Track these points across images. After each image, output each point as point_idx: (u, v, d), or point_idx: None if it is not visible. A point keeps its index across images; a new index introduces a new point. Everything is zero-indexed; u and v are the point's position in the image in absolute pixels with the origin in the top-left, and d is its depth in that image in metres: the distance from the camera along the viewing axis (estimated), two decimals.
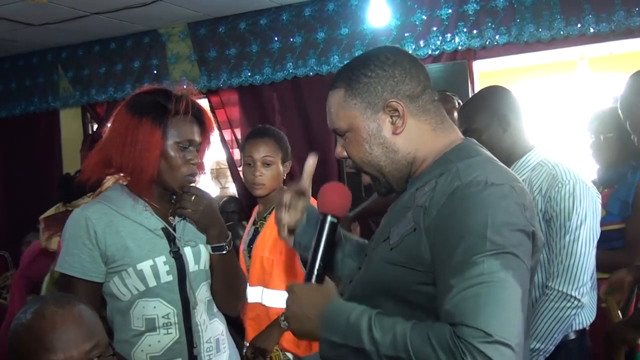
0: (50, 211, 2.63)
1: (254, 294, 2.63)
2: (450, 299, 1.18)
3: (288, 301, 1.40)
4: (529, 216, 1.28)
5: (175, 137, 1.90)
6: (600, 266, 2.68)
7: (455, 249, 1.20)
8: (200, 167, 2.00)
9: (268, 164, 2.63)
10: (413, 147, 1.39)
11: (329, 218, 1.42)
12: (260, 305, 2.62)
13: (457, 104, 3.37)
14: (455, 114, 3.08)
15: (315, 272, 1.39)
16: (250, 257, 2.68)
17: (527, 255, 1.25)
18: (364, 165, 1.43)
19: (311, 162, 1.58)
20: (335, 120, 1.43)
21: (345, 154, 1.45)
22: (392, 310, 1.30)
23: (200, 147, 1.98)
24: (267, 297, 2.61)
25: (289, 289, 1.41)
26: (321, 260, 1.40)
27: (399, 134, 1.38)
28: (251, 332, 2.64)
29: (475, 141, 1.45)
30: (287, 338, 2.52)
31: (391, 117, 1.37)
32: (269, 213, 2.65)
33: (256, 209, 2.79)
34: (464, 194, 1.24)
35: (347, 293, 1.44)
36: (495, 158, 1.40)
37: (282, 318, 2.45)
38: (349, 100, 1.39)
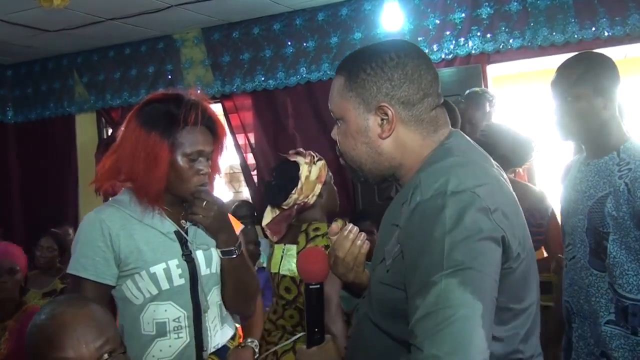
0: (267, 217, 2.58)
1: None
2: (413, 320, 1.18)
3: None
4: (497, 219, 1.20)
5: (185, 148, 1.88)
6: None
7: (416, 269, 1.19)
8: (215, 169, 2.01)
9: None
10: (399, 153, 1.36)
11: (311, 287, 1.51)
12: None
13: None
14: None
15: (314, 338, 1.51)
16: None
17: (491, 264, 1.19)
18: (346, 156, 1.43)
19: (334, 226, 1.60)
20: (333, 104, 1.42)
21: (337, 138, 1.45)
22: (402, 330, 1.28)
23: (212, 155, 1.97)
24: None
25: (297, 357, 1.55)
26: (316, 326, 1.51)
27: (385, 138, 1.35)
28: None
29: (456, 140, 1.38)
30: None
31: (381, 119, 1.34)
32: None
33: None
34: (423, 210, 1.22)
35: (369, 315, 1.43)
36: (469, 156, 1.33)
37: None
38: (346, 91, 1.37)
